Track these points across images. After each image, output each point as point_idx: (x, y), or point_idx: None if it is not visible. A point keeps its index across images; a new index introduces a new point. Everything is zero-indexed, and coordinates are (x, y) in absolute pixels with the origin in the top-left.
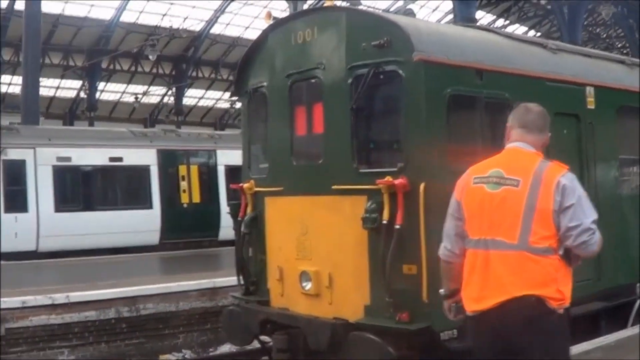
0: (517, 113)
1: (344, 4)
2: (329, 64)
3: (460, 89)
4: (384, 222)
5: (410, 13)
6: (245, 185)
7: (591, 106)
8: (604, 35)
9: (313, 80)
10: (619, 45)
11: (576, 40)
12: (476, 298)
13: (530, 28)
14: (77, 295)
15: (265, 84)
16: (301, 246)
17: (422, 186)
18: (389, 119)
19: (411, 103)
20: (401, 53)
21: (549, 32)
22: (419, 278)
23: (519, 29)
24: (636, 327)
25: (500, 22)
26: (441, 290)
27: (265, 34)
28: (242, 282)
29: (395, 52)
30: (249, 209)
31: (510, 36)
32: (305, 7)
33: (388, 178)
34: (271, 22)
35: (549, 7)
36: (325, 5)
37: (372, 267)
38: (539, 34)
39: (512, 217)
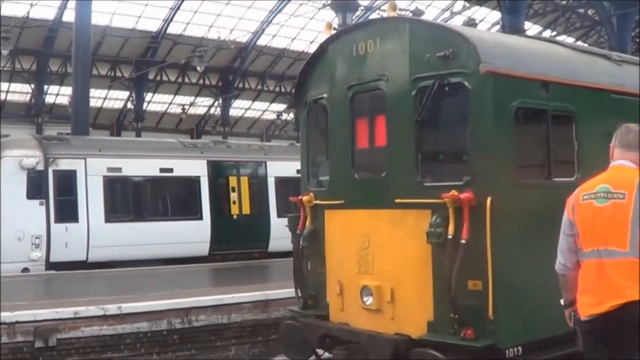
0: (619, 133)
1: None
2: (392, 76)
3: (527, 101)
4: (449, 236)
5: (473, 24)
6: (305, 197)
7: None
8: None
9: (375, 92)
10: None
11: (626, 51)
12: (593, 304)
13: (577, 39)
14: (129, 307)
15: (325, 95)
16: (362, 260)
17: (488, 200)
18: (454, 132)
19: (477, 115)
20: (467, 65)
21: (596, 42)
22: (484, 294)
23: (565, 40)
24: None
25: (547, 33)
26: (561, 301)
27: (325, 45)
28: (300, 295)
29: (461, 63)
30: (307, 222)
31: (574, 47)
32: (354, 18)
33: (453, 192)
34: (331, 33)
35: (596, 18)
36: (387, 15)
37: (436, 282)
38: (585, 45)
39: (622, 228)
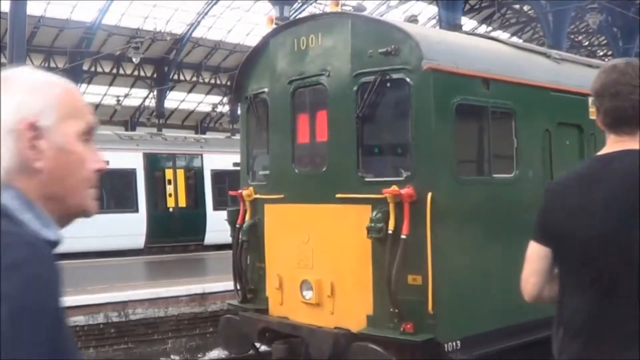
0: None
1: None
2: (334, 71)
3: (468, 97)
4: (390, 232)
5: (414, 20)
6: (245, 192)
7: (593, 117)
8: (586, 43)
9: (317, 87)
10: (601, 54)
11: (561, 48)
12: None
13: (512, 35)
14: (66, 300)
15: (266, 89)
16: (302, 255)
17: (429, 196)
18: (396, 128)
19: (419, 112)
20: (410, 61)
21: (531, 39)
22: (424, 288)
23: (501, 36)
24: None
25: (483, 28)
26: None
27: (266, 39)
28: (239, 289)
29: (404, 59)
30: (247, 216)
31: (515, 45)
32: (292, 11)
33: (394, 187)
34: (273, 27)
35: (532, 14)
36: (330, 10)
37: (376, 276)
38: (520, 40)
39: None
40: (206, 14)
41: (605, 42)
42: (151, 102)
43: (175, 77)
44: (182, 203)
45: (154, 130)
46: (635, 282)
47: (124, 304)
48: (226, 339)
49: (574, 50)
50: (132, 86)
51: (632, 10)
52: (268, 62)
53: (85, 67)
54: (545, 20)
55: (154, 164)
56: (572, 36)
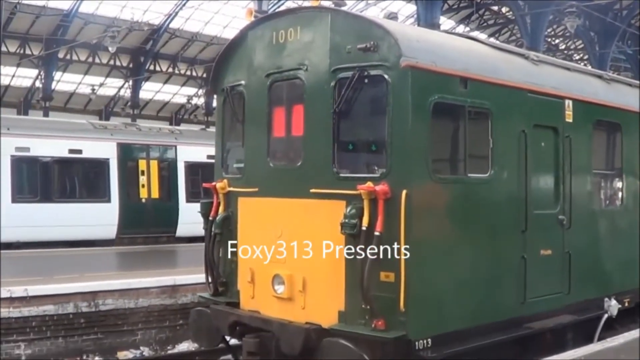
0: None
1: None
2: (312, 66)
3: (446, 96)
4: (364, 228)
5: (394, 17)
6: (218, 184)
7: (569, 119)
8: (563, 47)
9: (294, 81)
10: (577, 58)
11: (538, 50)
12: None
13: (489, 36)
14: (35, 289)
15: (243, 82)
16: (275, 249)
17: (404, 193)
18: (372, 124)
19: (396, 109)
20: (388, 58)
21: (508, 40)
22: (396, 286)
23: (478, 37)
24: (602, 342)
25: (461, 28)
26: None
27: (244, 31)
28: (210, 282)
29: (382, 56)
30: (220, 209)
31: (493, 46)
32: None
33: (369, 184)
34: (252, 19)
35: (510, 15)
36: (310, 4)
37: (348, 272)
38: (500, 42)
39: None
40: (184, 4)
41: (581, 46)
42: (126, 92)
43: (151, 67)
44: (155, 194)
45: (128, 120)
46: None
47: (94, 294)
48: (196, 332)
49: (550, 53)
50: (107, 75)
51: (610, 15)
52: (246, 54)
53: (60, 55)
54: (523, 22)
55: (127, 154)
56: (549, 39)
